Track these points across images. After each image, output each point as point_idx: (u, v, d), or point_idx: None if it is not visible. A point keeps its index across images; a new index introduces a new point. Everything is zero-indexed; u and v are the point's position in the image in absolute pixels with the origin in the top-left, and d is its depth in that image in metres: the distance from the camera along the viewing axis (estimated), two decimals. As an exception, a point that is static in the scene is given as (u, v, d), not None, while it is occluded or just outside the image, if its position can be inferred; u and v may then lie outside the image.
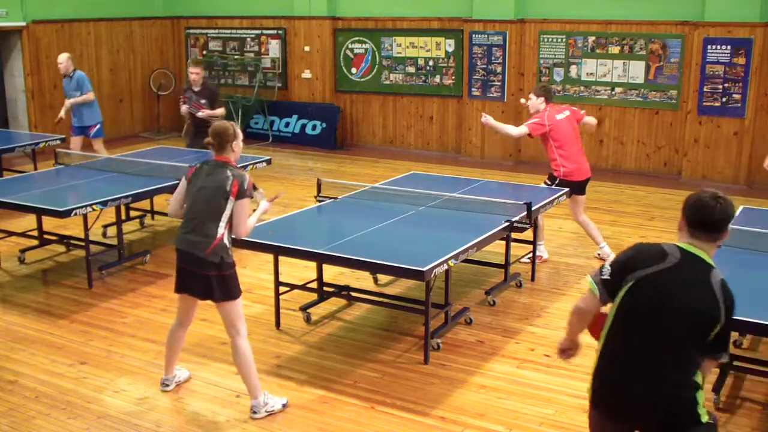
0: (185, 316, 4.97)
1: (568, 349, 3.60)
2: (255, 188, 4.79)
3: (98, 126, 10.07)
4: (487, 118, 7.45)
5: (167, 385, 5.10)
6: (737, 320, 4.24)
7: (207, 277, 4.61)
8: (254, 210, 4.88)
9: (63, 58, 9.93)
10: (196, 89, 9.14)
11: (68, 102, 9.91)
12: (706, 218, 3.16)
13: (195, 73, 9.14)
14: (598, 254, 7.62)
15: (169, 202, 5.15)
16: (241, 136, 4.79)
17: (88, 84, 10.00)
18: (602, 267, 3.32)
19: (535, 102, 7.49)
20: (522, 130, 7.44)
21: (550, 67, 11.67)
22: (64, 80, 10.07)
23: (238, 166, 4.83)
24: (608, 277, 3.26)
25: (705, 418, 3.12)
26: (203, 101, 9.07)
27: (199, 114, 9.01)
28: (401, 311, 6.16)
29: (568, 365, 5.40)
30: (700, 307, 3.09)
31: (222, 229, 4.60)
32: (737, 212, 6.48)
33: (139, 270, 7.35)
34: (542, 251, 7.58)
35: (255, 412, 4.74)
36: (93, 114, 10.03)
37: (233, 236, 4.68)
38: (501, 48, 11.78)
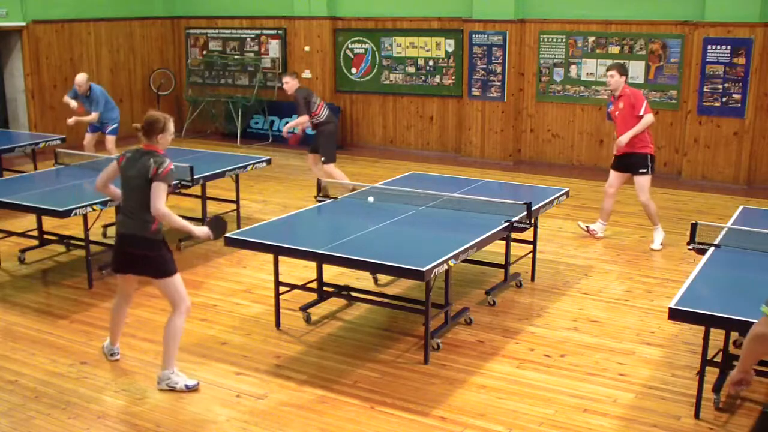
0: (128, 294, 5.36)
1: (743, 380, 3.32)
2: (174, 176, 5.01)
3: (116, 125, 10.07)
4: (620, 140, 7.56)
5: (113, 354, 5.48)
6: (737, 320, 4.29)
7: (146, 257, 4.94)
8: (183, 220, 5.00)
9: (83, 80, 9.73)
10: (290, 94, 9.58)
11: (93, 116, 9.85)
12: None
13: (285, 83, 9.50)
14: (587, 228, 7.97)
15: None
16: (171, 130, 5.06)
17: (101, 103, 9.81)
18: None
19: (620, 80, 7.61)
20: (648, 117, 7.55)
21: (550, 67, 11.67)
22: (80, 96, 9.90)
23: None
24: None
25: None
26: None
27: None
28: (401, 311, 6.16)
29: (568, 365, 5.41)
30: None
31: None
32: (737, 212, 6.49)
33: (139, 270, 7.35)
34: (656, 236, 7.82)
35: (158, 382, 5.07)
36: (111, 117, 10.01)
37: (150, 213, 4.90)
38: (501, 48, 11.77)
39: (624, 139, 7.57)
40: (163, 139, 5.01)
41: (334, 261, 5.48)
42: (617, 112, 7.74)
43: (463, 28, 12.10)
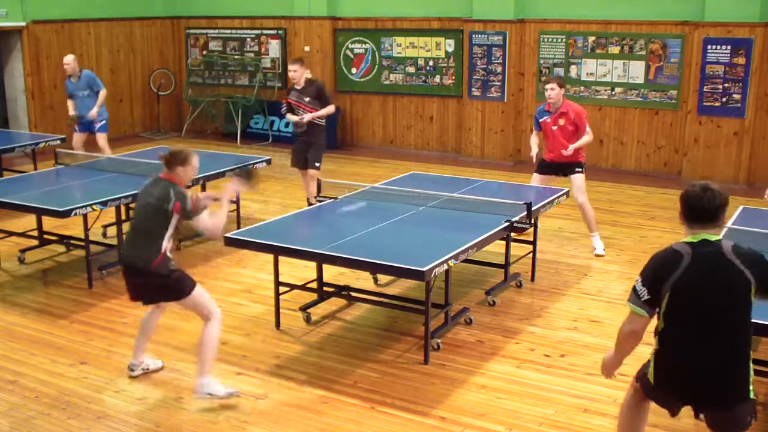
0: (158, 307, 5.17)
1: (615, 369, 3.88)
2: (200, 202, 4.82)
3: (104, 121, 10.07)
4: (567, 151, 7.51)
5: (132, 370, 5.21)
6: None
7: (156, 286, 4.79)
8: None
9: (70, 59, 9.92)
10: (299, 88, 8.46)
11: (93, 111, 9.84)
12: (697, 209, 3.52)
13: (293, 71, 8.37)
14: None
15: None
16: (195, 166, 4.84)
17: (99, 81, 10.04)
18: (636, 289, 3.57)
19: (560, 92, 7.60)
20: (590, 135, 7.72)
21: (550, 67, 11.66)
22: (68, 81, 10.02)
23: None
24: (648, 297, 3.55)
25: (752, 395, 3.53)
26: (307, 99, 8.43)
27: (305, 118, 8.38)
28: (401, 311, 6.16)
29: (568, 365, 5.42)
30: (729, 283, 3.45)
31: (164, 245, 4.76)
32: (737, 212, 6.49)
33: (139, 270, 7.35)
34: (597, 243, 7.73)
35: (196, 392, 4.85)
36: (101, 111, 10.04)
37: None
38: (501, 48, 11.77)
39: (570, 151, 7.49)
40: (184, 173, 4.78)
41: (334, 261, 5.48)
42: (555, 127, 7.61)
43: (463, 28, 12.10)
